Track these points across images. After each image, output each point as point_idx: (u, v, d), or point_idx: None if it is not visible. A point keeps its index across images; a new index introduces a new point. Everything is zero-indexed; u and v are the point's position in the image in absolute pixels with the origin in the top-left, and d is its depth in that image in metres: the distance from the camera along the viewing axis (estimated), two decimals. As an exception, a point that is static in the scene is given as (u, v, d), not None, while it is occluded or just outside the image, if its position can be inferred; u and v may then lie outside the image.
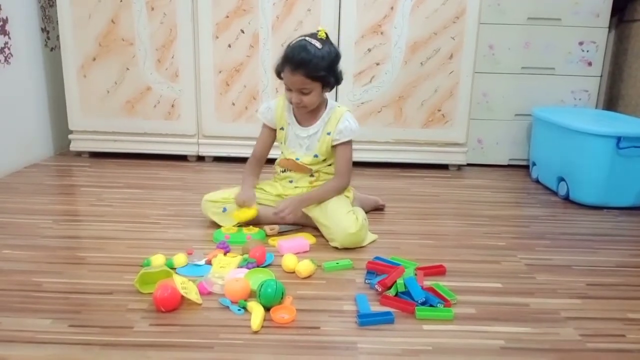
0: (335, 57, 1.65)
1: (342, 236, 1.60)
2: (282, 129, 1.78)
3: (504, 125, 2.68)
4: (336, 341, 1.15)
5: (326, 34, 1.64)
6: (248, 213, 1.68)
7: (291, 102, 1.67)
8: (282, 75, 1.65)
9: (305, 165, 1.76)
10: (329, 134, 1.71)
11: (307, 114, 1.73)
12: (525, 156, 2.69)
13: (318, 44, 1.60)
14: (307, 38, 1.62)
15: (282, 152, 1.82)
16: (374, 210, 1.99)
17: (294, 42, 1.63)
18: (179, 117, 2.57)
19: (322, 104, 1.74)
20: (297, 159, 1.76)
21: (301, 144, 1.75)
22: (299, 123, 1.75)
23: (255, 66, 2.49)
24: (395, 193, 2.21)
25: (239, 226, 1.70)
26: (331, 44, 1.65)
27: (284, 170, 1.81)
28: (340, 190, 1.74)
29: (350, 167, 1.76)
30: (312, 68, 1.58)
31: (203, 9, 2.43)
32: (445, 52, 2.47)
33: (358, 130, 1.73)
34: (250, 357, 1.08)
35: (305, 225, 1.76)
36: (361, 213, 1.71)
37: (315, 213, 1.71)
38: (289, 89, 1.65)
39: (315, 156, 1.75)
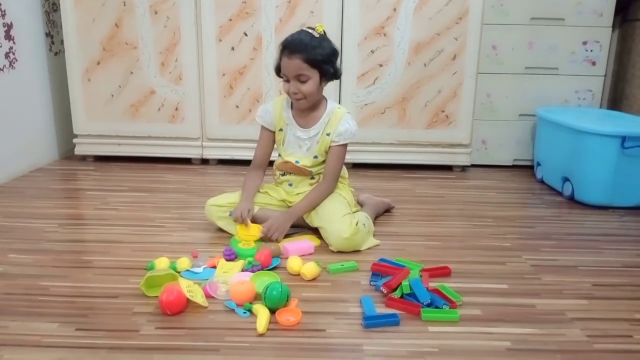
0: (332, 50, 1.64)
1: (336, 240, 1.60)
2: (280, 130, 1.76)
3: (508, 126, 2.67)
4: (342, 343, 1.15)
5: (324, 30, 1.64)
6: (252, 235, 1.62)
7: (289, 95, 1.65)
8: (280, 68, 1.64)
9: (305, 167, 1.75)
10: (328, 134, 1.70)
11: (307, 114, 1.71)
12: (529, 156, 2.68)
13: (315, 34, 1.61)
14: (304, 28, 1.64)
15: (280, 155, 1.80)
16: (385, 212, 1.99)
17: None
18: (183, 120, 2.58)
19: (322, 104, 1.73)
20: (296, 161, 1.74)
21: (301, 145, 1.74)
22: (299, 124, 1.74)
23: (259, 69, 2.49)
24: (399, 194, 2.20)
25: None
26: (329, 39, 1.65)
27: (283, 174, 1.80)
28: (328, 194, 1.71)
29: (340, 170, 1.75)
30: (310, 52, 1.57)
31: (206, 12, 2.44)
32: (448, 53, 2.46)
33: (357, 133, 1.72)
34: (256, 359, 1.08)
35: (304, 226, 1.76)
36: (362, 218, 1.69)
37: (312, 217, 1.71)
38: (286, 80, 1.63)
39: (315, 157, 1.74)
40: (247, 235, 1.62)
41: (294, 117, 1.74)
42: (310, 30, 1.62)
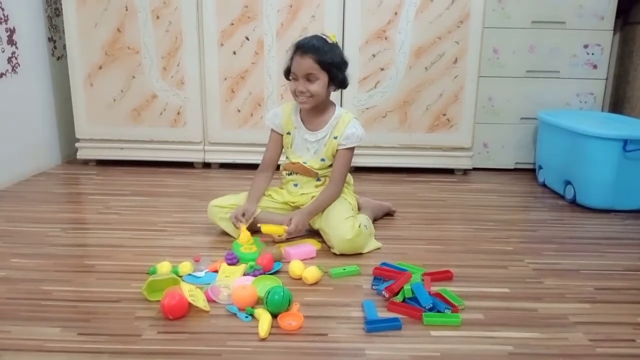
0: (343, 59, 1.70)
1: (339, 242, 1.60)
2: (288, 133, 1.78)
3: (510, 129, 2.67)
4: (344, 348, 1.15)
5: (336, 40, 1.72)
6: (277, 230, 1.67)
7: (294, 94, 1.68)
8: (290, 70, 1.68)
9: (312, 168, 1.76)
10: (335, 137, 1.72)
11: (315, 118, 1.74)
12: (531, 160, 2.68)
13: (329, 40, 1.68)
14: (319, 34, 1.70)
15: (287, 157, 1.83)
16: (386, 215, 1.99)
17: None
18: (185, 124, 2.58)
19: (330, 109, 1.75)
20: (304, 162, 1.76)
21: (309, 147, 1.76)
22: (307, 127, 1.76)
23: (260, 73, 2.50)
24: (401, 198, 2.20)
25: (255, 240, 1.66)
26: (341, 50, 1.72)
27: (290, 173, 1.81)
28: (336, 196, 1.73)
29: (347, 173, 1.77)
30: (322, 54, 1.63)
31: (208, 17, 2.45)
32: (449, 57, 2.47)
33: (364, 137, 1.75)
34: (258, 364, 1.09)
35: (309, 230, 1.76)
36: (363, 220, 1.70)
37: (315, 219, 1.72)
38: (295, 79, 1.67)
39: (322, 160, 1.75)
40: (271, 230, 1.66)
41: (302, 120, 1.76)
42: (324, 36, 1.68)
